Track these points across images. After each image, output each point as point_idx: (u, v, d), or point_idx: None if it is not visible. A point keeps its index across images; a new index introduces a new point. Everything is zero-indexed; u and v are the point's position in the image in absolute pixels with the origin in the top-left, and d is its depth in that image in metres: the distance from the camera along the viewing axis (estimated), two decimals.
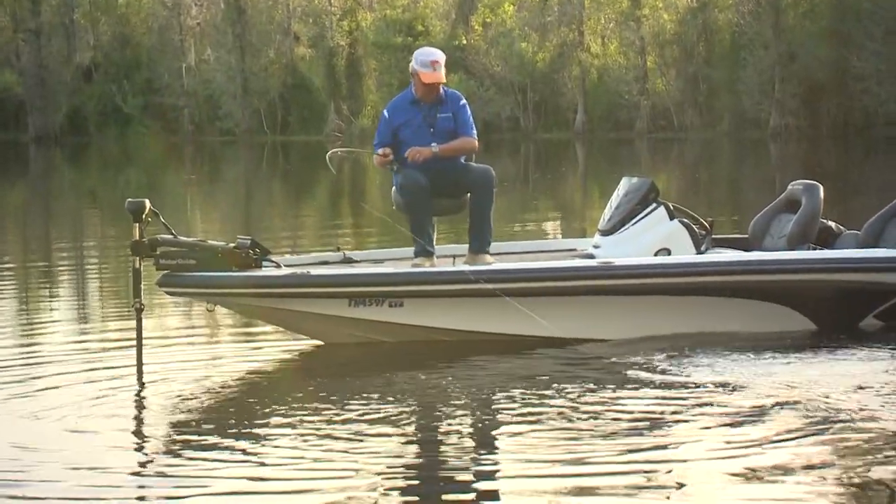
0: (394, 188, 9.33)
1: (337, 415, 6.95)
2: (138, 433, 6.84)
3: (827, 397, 6.99)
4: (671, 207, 9.45)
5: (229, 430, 6.68)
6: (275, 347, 9.14)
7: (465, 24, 66.77)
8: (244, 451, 6.29)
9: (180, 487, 5.77)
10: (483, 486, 5.84)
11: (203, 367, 8.44)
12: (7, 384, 7.83)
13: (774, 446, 6.13)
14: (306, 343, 9.08)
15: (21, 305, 11.89)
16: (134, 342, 8.01)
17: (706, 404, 6.96)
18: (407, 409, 7.04)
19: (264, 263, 8.68)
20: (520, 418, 6.79)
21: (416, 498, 5.74)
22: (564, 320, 8.66)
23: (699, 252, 9.24)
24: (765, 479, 5.69)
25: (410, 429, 6.71)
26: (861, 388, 7.23)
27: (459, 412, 7.02)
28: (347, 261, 9.46)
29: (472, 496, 5.73)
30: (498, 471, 6.01)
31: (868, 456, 5.97)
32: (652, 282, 8.72)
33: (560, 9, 66.23)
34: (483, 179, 9.13)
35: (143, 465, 6.26)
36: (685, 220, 9.42)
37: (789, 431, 6.36)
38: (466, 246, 9.32)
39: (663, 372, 7.73)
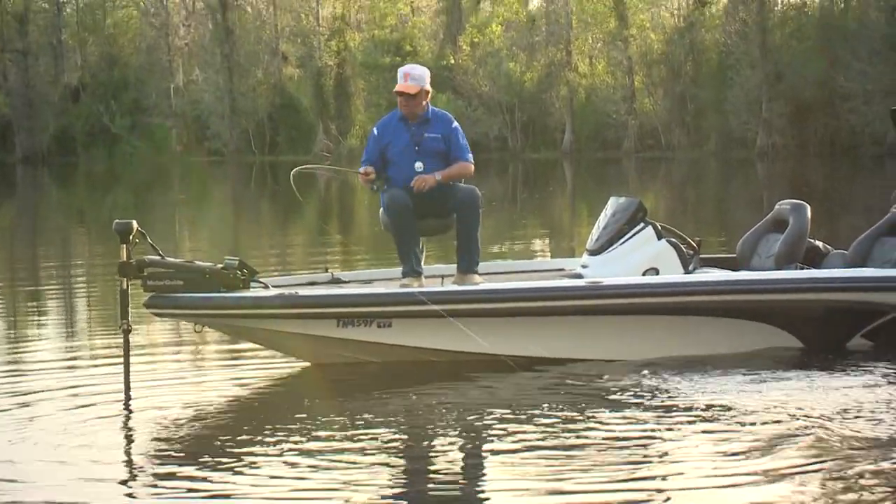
0: (381, 209, 9.33)
1: (324, 437, 6.93)
2: (125, 454, 6.81)
3: (816, 418, 6.99)
4: (659, 227, 9.46)
5: (216, 452, 6.65)
6: (263, 368, 9.12)
7: (452, 44, 66.93)
8: (231, 472, 6.27)
9: None
10: None
11: (190, 389, 8.42)
12: None
13: (764, 468, 6.12)
14: (295, 364, 9.06)
15: (8, 326, 11.85)
16: (121, 363, 7.99)
17: (694, 425, 6.95)
18: (395, 432, 7.02)
19: (252, 284, 8.66)
20: (508, 441, 6.77)
21: None
22: (553, 340, 8.66)
23: (687, 272, 9.25)
24: (755, 500, 5.68)
25: (398, 452, 6.68)
26: (850, 408, 7.23)
27: (448, 435, 7.00)
28: (335, 281, 9.45)
29: None
30: (487, 496, 5.99)
31: (858, 476, 5.97)
32: (640, 301, 8.72)
33: (548, 29, 66.45)
34: (468, 200, 9.12)
35: (128, 484, 6.23)
36: (673, 240, 9.43)
37: (778, 453, 6.35)
38: (455, 266, 9.31)
39: (652, 392, 7.72)
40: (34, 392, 8.26)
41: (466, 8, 69.74)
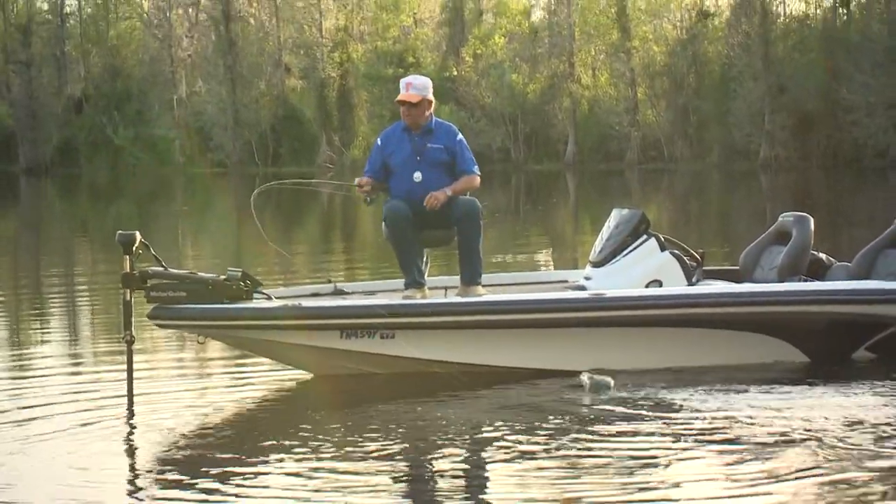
0: (383, 220, 9.33)
1: (327, 449, 6.92)
2: (127, 466, 6.81)
3: (819, 431, 6.98)
4: (662, 239, 9.45)
5: (219, 464, 6.64)
6: (265, 379, 9.11)
7: (455, 55, 66.99)
8: (234, 484, 6.26)
9: None
10: None
11: (193, 400, 8.41)
12: None
13: (768, 482, 6.10)
14: (297, 375, 9.05)
15: (11, 337, 11.85)
16: (124, 374, 7.99)
17: (697, 438, 6.94)
18: (398, 444, 7.01)
19: (255, 295, 8.66)
20: (512, 454, 6.75)
21: None
22: (556, 352, 8.65)
23: (690, 284, 9.24)
24: None
25: (401, 464, 6.67)
26: (853, 420, 7.21)
27: (451, 447, 6.98)
28: (339, 292, 9.44)
29: None
30: None
31: (863, 490, 5.95)
32: (643, 313, 8.72)
33: (550, 41, 66.50)
34: (468, 213, 9.10)
35: (131, 496, 6.22)
36: (676, 252, 9.42)
37: (781, 465, 6.34)
38: (458, 277, 9.31)
39: (656, 405, 7.71)
40: (36, 402, 8.24)
41: (469, 19, 69.82)
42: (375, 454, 6.75)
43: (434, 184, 9.08)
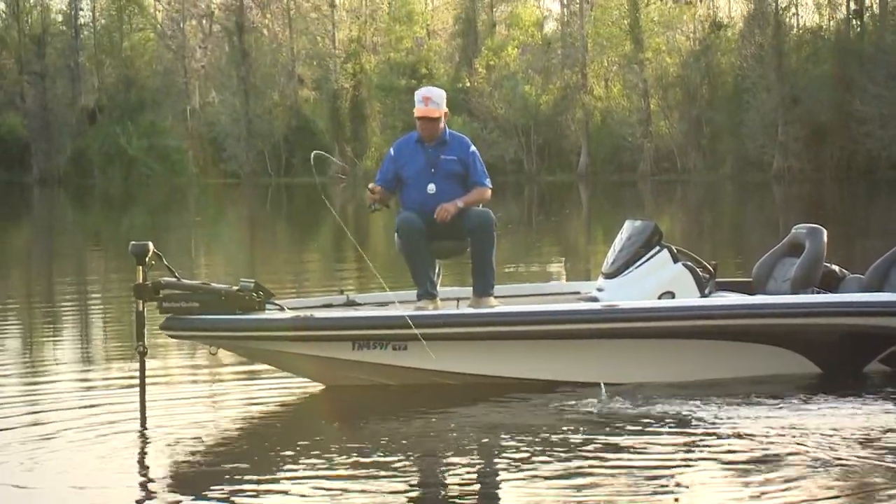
0: (396, 233, 9.33)
1: (339, 460, 6.92)
2: (140, 476, 6.81)
3: (833, 443, 6.95)
4: (675, 250, 9.43)
5: (230, 475, 6.64)
6: (277, 390, 9.10)
7: (468, 66, 67.05)
8: (246, 496, 6.26)
9: None
10: None
11: (205, 411, 8.42)
12: (9, 426, 7.79)
13: (781, 495, 6.09)
14: (310, 386, 9.05)
15: (24, 347, 11.87)
16: (136, 384, 8.00)
17: (709, 450, 6.93)
18: (410, 456, 7.00)
19: (268, 306, 8.66)
20: (523, 466, 6.74)
21: None
22: (569, 364, 8.64)
23: (703, 295, 9.22)
24: None
25: (412, 476, 6.66)
26: (867, 433, 7.19)
27: (463, 459, 6.97)
28: (351, 304, 9.44)
29: None
30: None
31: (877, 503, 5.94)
32: (656, 325, 8.70)
33: (563, 52, 66.60)
34: (482, 223, 9.09)
35: None
36: (689, 264, 9.40)
37: (795, 480, 6.31)
38: (471, 289, 9.30)
39: (668, 417, 7.69)
40: (49, 413, 8.26)
41: (482, 31, 69.90)
42: (387, 465, 6.74)
43: (448, 195, 9.08)
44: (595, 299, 9.28)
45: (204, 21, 72.51)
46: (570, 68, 65.38)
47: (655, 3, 63.44)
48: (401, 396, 8.51)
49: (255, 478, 6.59)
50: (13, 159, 69.69)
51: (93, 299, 16.00)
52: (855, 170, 54.49)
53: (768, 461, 6.63)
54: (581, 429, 7.45)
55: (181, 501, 6.26)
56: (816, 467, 6.49)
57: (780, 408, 7.88)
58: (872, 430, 7.27)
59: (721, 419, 7.58)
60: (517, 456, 6.91)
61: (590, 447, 7.03)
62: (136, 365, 8.05)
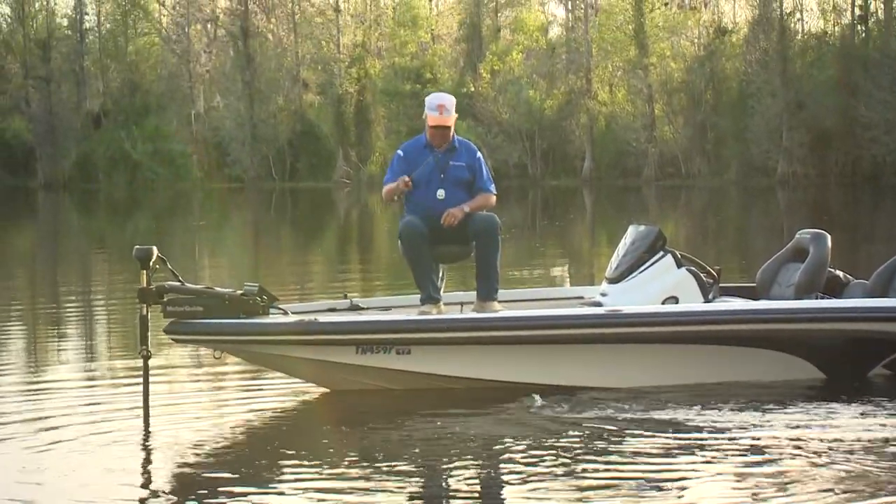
0: (399, 238, 9.32)
1: (343, 464, 6.92)
2: (143, 480, 6.81)
3: (836, 450, 6.95)
4: (679, 255, 9.43)
5: (234, 480, 6.65)
6: (281, 395, 9.11)
7: (473, 71, 67.05)
8: (249, 500, 6.26)
9: None
10: None
11: (209, 415, 8.41)
12: (13, 430, 7.81)
13: (782, 499, 6.08)
14: (314, 390, 9.05)
15: (28, 351, 11.88)
16: (140, 389, 8.00)
17: (713, 456, 6.92)
18: (413, 460, 7.00)
19: (271, 310, 8.67)
20: (528, 471, 6.74)
21: None
22: (572, 369, 8.64)
23: (707, 300, 9.22)
24: None
25: (416, 481, 6.66)
26: (871, 439, 7.19)
27: (467, 463, 6.97)
28: (355, 308, 9.44)
29: None
30: None
31: None
32: (659, 330, 8.70)
33: (568, 57, 66.64)
34: (487, 228, 9.10)
35: None
36: (693, 269, 9.39)
37: (798, 486, 6.31)
38: (474, 293, 9.30)
39: (672, 422, 7.69)
40: (53, 417, 8.26)
41: (487, 36, 69.91)
42: (390, 470, 6.74)
43: (455, 201, 9.11)
44: (599, 304, 9.28)
45: (209, 25, 72.56)
46: (574, 73, 65.38)
47: (660, 8, 63.44)
48: (404, 401, 8.51)
49: (257, 482, 6.59)
50: (18, 164, 69.72)
51: (97, 303, 16.02)
52: (859, 175, 54.46)
53: (772, 466, 6.63)
54: (585, 433, 7.45)
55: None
56: (820, 473, 6.48)
57: (784, 413, 7.88)
58: (876, 435, 7.26)
59: (724, 424, 7.57)
60: (521, 460, 6.91)
61: (593, 451, 7.03)
62: (140, 368, 8.05)
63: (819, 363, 8.87)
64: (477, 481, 6.68)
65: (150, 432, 7.75)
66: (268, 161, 67.06)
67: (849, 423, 7.59)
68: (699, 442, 7.18)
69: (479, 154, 9.39)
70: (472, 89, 65.09)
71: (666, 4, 63.84)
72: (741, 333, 8.76)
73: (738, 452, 6.95)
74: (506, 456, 7.03)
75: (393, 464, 6.86)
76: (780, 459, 6.76)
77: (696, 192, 52.59)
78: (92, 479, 6.66)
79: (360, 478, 6.60)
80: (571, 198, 51.05)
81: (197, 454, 7.29)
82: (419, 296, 9.17)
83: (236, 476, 6.71)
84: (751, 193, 49.29)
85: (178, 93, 70.14)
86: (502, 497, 6.45)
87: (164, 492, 6.56)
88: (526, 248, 24.36)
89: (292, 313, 8.83)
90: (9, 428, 7.88)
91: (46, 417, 8.25)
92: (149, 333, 8.06)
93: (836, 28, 61.62)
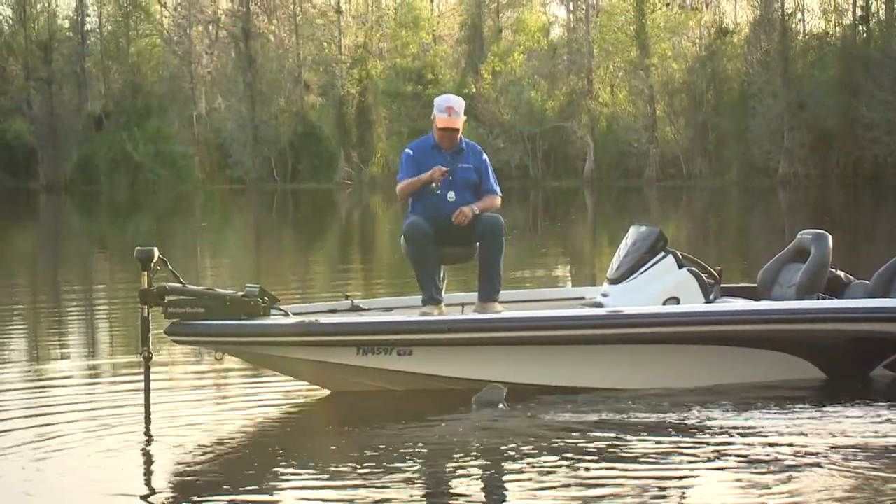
0: (402, 237, 9.33)
1: (343, 466, 6.91)
2: (144, 482, 6.82)
3: (838, 450, 6.95)
4: (680, 256, 9.43)
5: (235, 481, 6.65)
6: (282, 396, 9.11)
7: (474, 72, 67.09)
8: (250, 502, 6.26)
9: None
10: None
11: (210, 416, 8.41)
12: (13, 429, 7.81)
13: (783, 499, 6.08)
14: (315, 392, 9.05)
15: (29, 352, 11.88)
16: (141, 390, 8.00)
17: (714, 457, 6.92)
18: (414, 462, 7.00)
19: (273, 312, 8.67)
20: (528, 472, 6.73)
21: None
22: (573, 369, 8.63)
23: (708, 301, 9.22)
24: None
25: (418, 482, 6.65)
26: (873, 439, 7.19)
27: (468, 464, 6.97)
28: (356, 309, 9.43)
29: None
30: None
31: None
32: (661, 331, 8.70)
33: (569, 58, 66.66)
34: (492, 228, 9.11)
35: None
36: (694, 269, 9.39)
37: (800, 486, 6.31)
38: (475, 294, 9.30)
39: (673, 423, 7.69)
40: (54, 418, 8.26)
41: (488, 37, 69.96)
42: (391, 471, 6.74)
43: (463, 203, 9.11)
44: (600, 305, 9.28)
45: (210, 27, 72.61)
46: (575, 74, 65.42)
47: (661, 8, 63.48)
48: (405, 402, 8.51)
49: (258, 483, 6.59)
50: (19, 165, 69.76)
51: (98, 304, 16.02)
52: (861, 175, 54.46)
53: (773, 467, 6.63)
54: (586, 434, 7.45)
55: None
56: (822, 473, 6.48)
57: (785, 413, 7.87)
58: (878, 435, 7.26)
59: (725, 425, 7.57)
60: (523, 461, 6.91)
61: (595, 452, 7.03)
62: (141, 370, 8.05)
63: (820, 364, 8.87)
64: (479, 482, 6.68)
65: (151, 433, 7.75)
66: (269, 162, 67.09)
67: (850, 423, 7.58)
68: (700, 442, 7.18)
69: (484, 156, 9.40)
70: (474, 90, 65.10)
71: (667, 5, 63.89)
72: (742, 334, 8.75)
73: (738, 453, 6.95)
74: (508, 457, 7.03)
75: (394, 465, 6.86)
76: (781, 460, 6.76)
77: (697, 192, 52.58)
78: (92, 479, 6.66)
79: (361, 479, 6.60)
80: (573, 198, 51.05)
81: (198, 455, 7.29)
82: (420, 297, 9.17)
83: (238, 477, 6.71)
84: (752, 194, 49.29)
85: (179, 94, 70.19)
86: (505, 498, 6.45)
87: (164, 493, 6.56)
88: (527, 249, 24.35)
89: (293, 314, 8.82)
90: (9, 427, 7.87)
91: (47, 418, 8.25)
92: (150, 335, 8.05)
93: (838, 28, 61.65)
